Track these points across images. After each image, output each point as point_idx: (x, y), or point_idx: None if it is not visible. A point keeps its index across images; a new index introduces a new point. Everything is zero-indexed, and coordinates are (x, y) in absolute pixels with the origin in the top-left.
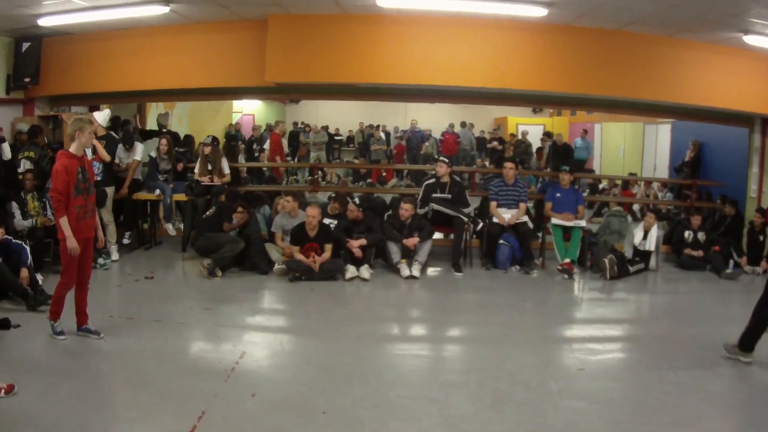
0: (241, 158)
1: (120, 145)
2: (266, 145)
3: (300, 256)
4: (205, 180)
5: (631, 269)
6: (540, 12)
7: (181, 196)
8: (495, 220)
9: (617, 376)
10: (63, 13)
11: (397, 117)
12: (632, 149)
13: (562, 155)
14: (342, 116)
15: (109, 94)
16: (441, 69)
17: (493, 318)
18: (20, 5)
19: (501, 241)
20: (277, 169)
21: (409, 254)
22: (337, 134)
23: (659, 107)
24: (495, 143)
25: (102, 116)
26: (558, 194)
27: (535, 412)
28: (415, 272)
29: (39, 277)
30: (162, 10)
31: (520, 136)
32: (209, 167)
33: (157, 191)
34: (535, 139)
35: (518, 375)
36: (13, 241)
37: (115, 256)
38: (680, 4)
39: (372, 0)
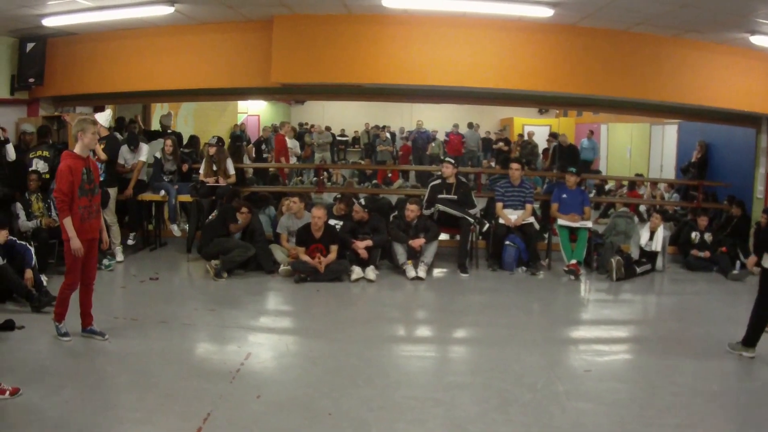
0: (246, 159)
1: (125, 146)
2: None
3: (305, 258)
4: (210, 181)
5: (638, 270)
6: (546, 12)
7: (186, 197)
8: (501, 221)
9: (624, 378)
10: (67, 13)
11: (402, 118)
12: (639, 150)
13: (568, 156)
14: (347, 117)
15: (114, 95)
16: (447, 69)
17: (499, 319)
18: (24, 5)
19: (507, 242)
20: (282, 170)
21: (414, 255)
22: (343, 135)
23: (666, 108)
24: (501, 144)
25: (103, 117)
26: (564, 195)
27: (541, 414)
28: (421, 273)
29: (43, 278)
30: (167, 10)
31: (526, 137)
32: (214, 168)
33: (162, 192)
34: (541, 140)
35: (524, 376)
36: (18, 242)
37: (119, 257)
38: (687, 5)
39: (378, 0)
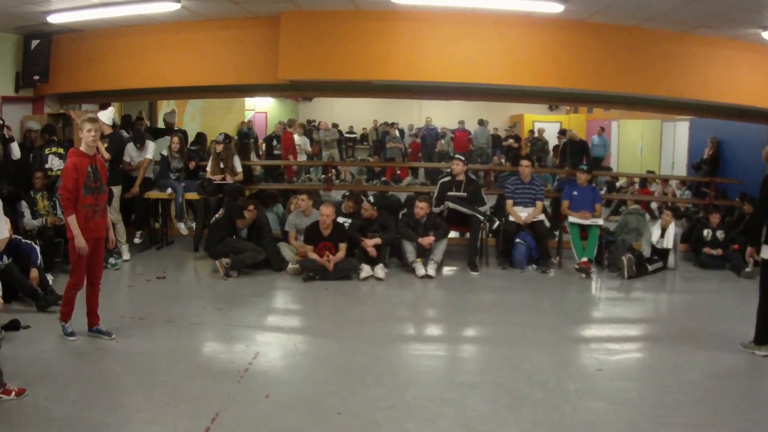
0: (253, 156)
1: (131, 144)
2: None
3: (314, 256)
4: (218, 178)
5: (650, 268)
6: (556, 8)
7: (193, 195)
8: (511, 218)
9: (635, 376)
10: (73, 9)
11: (411, 114)
12: (650, 147)
13: (579, 151)
14: (356, 114)
15: (120, 92)
16: (456, 66)
17: (509, 317)
18: (29, 2)
19: (517, 240)
20: (290, 168)
21: (424, 253)
22: (351, 132)
23: (677, 104)
24: (511, 141)
25: (106, 115)
26: (575, 192)
27: (552, 413)
28: (431, 271)
29: (49, 277)
30: (173, 6)
31: (536, 134)
32: (221, 165)
33: (169, 190)
34: (551, 136)
35: (535, 375)
36: (23, 240)
37: (126, 255)
38: (698, 0)
39: None
